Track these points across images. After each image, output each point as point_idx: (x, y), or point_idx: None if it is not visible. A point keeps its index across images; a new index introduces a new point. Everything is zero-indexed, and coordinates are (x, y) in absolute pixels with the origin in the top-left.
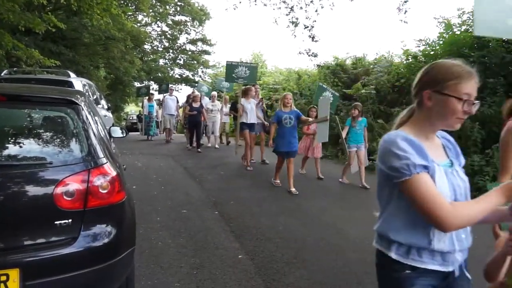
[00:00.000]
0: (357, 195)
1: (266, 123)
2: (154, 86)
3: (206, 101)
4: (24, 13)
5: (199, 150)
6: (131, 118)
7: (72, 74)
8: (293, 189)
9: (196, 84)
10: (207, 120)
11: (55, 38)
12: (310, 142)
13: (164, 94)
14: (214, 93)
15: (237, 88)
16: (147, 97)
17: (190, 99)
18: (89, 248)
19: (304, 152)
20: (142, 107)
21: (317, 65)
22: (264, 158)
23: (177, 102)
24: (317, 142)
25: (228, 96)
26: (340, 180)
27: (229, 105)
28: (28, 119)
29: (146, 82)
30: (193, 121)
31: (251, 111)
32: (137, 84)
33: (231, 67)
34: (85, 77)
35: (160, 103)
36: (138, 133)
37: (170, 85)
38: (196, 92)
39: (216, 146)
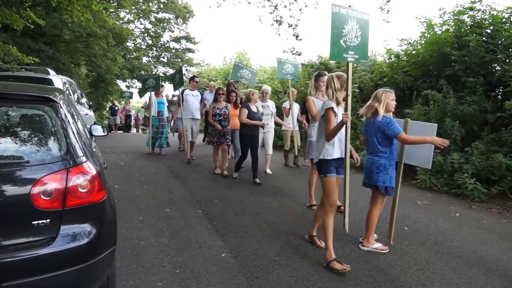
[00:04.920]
0: None
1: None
2: (138, 84)
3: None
4: (1, 9)
5: (257, 180)
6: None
7: (51, 72)
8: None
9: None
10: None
11: (34, 35)
12: None
13: (183, 88)
14: (267, 87)
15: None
16: (154, 91)
17: (220, 95)
18: (68, 248)
19: None
20: (149, 105)
21: (301, 64)
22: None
23: (202, 100)
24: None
25: (295, 90)
26: None
27: (299, 105)
28: (5, 117)
29: (128, 80)
30: (249, 134)
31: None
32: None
33: None
34: (66, 74)
35: (172, 102)
36: (120, 132)
37: (193, 76)
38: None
39: (268, 171)
